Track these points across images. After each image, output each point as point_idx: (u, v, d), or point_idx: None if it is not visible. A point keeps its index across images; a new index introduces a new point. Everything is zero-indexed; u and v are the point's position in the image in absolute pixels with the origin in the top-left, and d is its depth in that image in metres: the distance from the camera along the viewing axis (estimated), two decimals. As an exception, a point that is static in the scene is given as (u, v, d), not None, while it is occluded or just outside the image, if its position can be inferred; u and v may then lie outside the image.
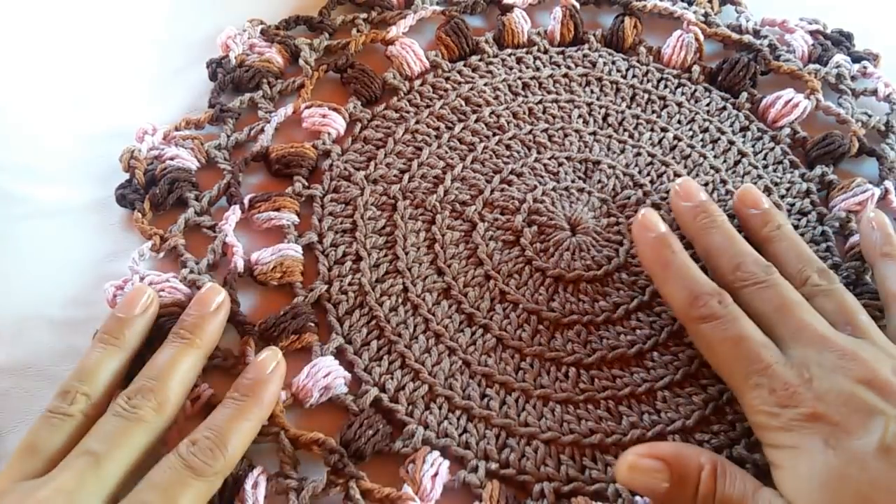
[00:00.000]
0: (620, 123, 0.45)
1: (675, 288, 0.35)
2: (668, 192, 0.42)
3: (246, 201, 0.40)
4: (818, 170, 0.43)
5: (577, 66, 0.48)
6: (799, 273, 0.35)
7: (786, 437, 0.30)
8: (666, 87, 0.47)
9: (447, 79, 0.46)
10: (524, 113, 0.45)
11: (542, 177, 0.42)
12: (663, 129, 0.45)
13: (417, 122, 0.44)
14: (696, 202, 0.38)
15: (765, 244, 0.37)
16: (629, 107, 0.46)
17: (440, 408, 0.35)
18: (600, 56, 0.48)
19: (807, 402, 0.30)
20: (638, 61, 0.48)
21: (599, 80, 0.47)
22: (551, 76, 0.47)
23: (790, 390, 0.30)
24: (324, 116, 0.44)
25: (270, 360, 0.33)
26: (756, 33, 0.49)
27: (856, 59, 0.49)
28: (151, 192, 0.40)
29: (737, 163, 0.44)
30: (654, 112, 0.46)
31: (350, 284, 0.38)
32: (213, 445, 0.30)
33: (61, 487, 0.27)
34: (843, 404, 0.30)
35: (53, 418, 0.30)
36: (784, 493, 0.30)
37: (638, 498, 0.33)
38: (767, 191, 0.42)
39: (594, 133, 0.44)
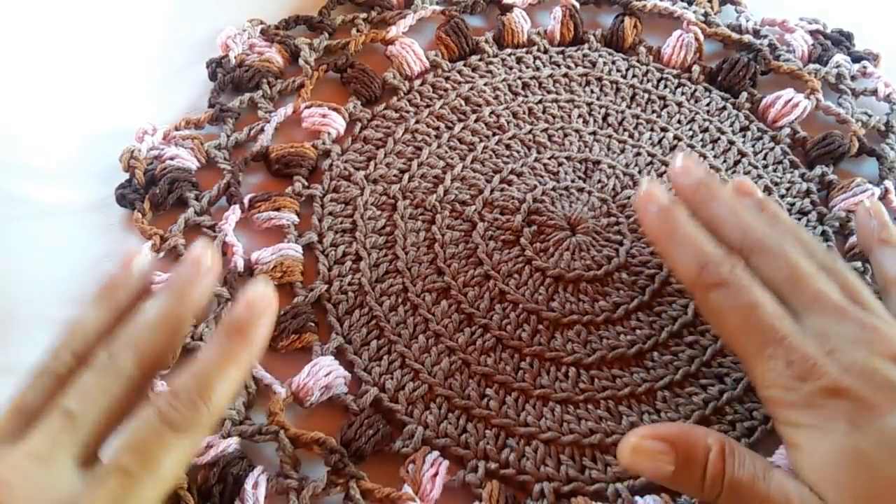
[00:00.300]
0: (620, 123, 0.45)
1: (682, 255, 0.33)
2: (667, 191, 0.42)
3: (246, 201, 0.41)
4: (818, 170, 0.43)
5: (577, 65, 0.48)
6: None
7: (804, 415, 0.28)
8: (666, 86, 0.47)
9: (447, 79, 0.46)
10: (524, 113, 0.45)
11: (541, 176, 0.42)
12: (663, 129, 0.45)
13: (417, 122, 0.44)
14: (696, 179, 0.36)
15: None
16: (629, 106, 0.46)
17: (440, 407, 0.35)
18: (600, 56, 0.48)
19: (829, 375, 0.28)
20: (638, 61, 0.48)
21: (599, 79, 0.47)
22: (551, 76, 0.47)
23: (809, 363, 0.28)
24: (324, 116, 0.44)
25: (262, 294, 0.28)
26: (756, 33, 0.49)
27: (856, 59, 0.49)
28: (151, 192, 0.40)
29: (737, 163, 0.44)
30: (654, 112, 0.46)
31: (350, 284, 0.38)
32: (195, 397, 0.26)
33: (31, 451, 0.25)
34: (868, 379, 0.27)
35: (42, 376, 0.28)
36: (803, 476, 0.28)
37: (638, 498, 0.33)
38: (767, 190, 0.42)
39: (594, 133, 0.44)
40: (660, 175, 0.43)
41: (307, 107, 0.44)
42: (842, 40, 0.50)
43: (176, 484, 0.32)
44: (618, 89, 0.47)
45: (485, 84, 0.46)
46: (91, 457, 0.26)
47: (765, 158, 0.44)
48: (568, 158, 0.43)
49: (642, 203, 0.35)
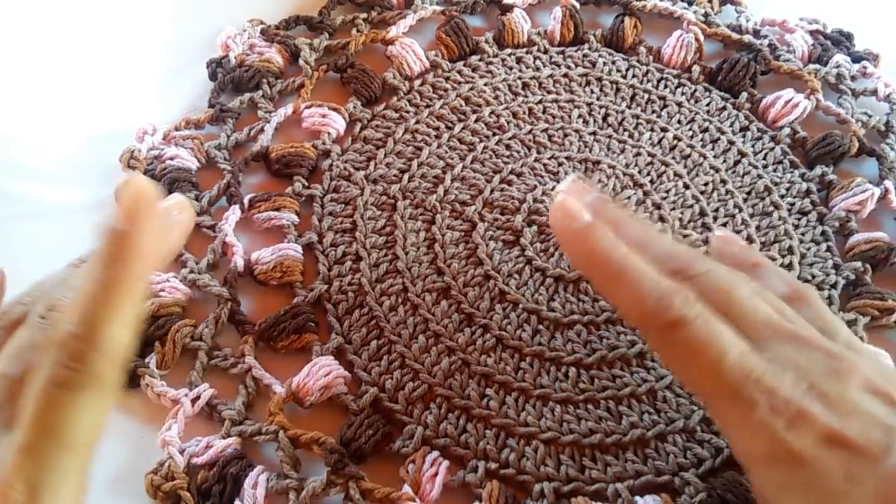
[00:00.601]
0: (620, 123, 0.45)
1: (627, 291, 0.27)
2: (667, 191, 0.42)
3: (246, 201, 0.41)
4: (818, 170, 0.43)
5: (577, 65, 0.48)
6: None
7: (795, 473, 0.24)
8: (666, 86, 0.47)
9: (447, 79, 0.46)
10: (524, 113, 0.45)
11: (542, 177, 0.42)
12: (663, 129, 0.45)
13: (417, 122, 0.44)
14: (581, 222, 0.29)
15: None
16: (629, 107, 0.46)
17: (439, 407, 0.35)
18: (600, 56, 0.48)
19: (819, 420, 0.24)
20: (638, 61, 0.48)
21: (599, 80, 0.47)
22: (551, 76, 0.47)
23: (794, 407, 0.24)
24: (324, 116, 0.44)
25: (138, 194, 0.22)
26: (756, 33, 0.49)
27: (856, 59, 0.49)
28: (151, 192, 0.40)
29: (737, 163, 0.44)
30: (654, 112, 0.46)
31: (350, 284, 0.38)
32: (82, 346, 0.22)
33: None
34: (857, 420, 0.24)
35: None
36: None
37: (638, 498, 0.33)
38: (767, 190, 0.42)
39: (594, 133, 0.44)
40: (659, 175, 0.43)
41: (307, 107, 0.44)
42: (842, 40, 0.50)
43: (177, 485, 0.32)
44: (618, 89, 0.47)
45: (485, 84, 0.46)
46: (9, 419, 0.23)
47: (765, 158, 0.44)
48: (568, 158, 0.43)
49: (559, 218, 0.29)
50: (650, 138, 0.44)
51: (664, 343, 0.27)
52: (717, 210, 0.42)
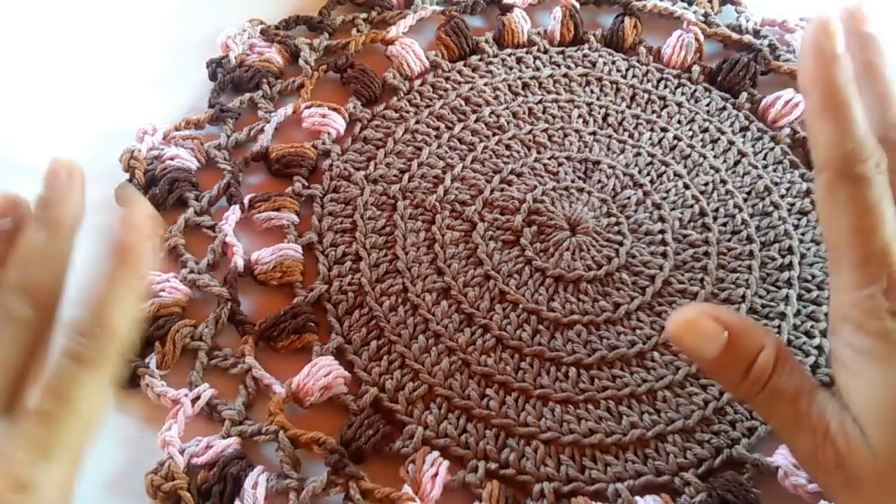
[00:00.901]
0: (620, 123, 0.45)
1: (831, 127, 0.28)
2: (667, 191, 0.42)
3: (246, 201, 0.41)
4: (818, 170, 0.43)
5: (577, 66, 0.48)
6: None
7: (876, 345, 0.26)
8: (666, 87, 0.47)
9: (447, 79, 0.46)
10: (524, 113, 0.45)
11: (541, 177, 0.42)
12: (663, 129, 0.45)
13: (417, 122, 0.44)
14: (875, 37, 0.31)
15: None
16: (629, 107, 0.46)
17: (439, 408, 0.35)
18: (600, 56, 0.48)
19: None
20: (638, 61, 0.48)
21: (599, 80, 0.47)
22: (551, 76, 0.47)
23: None
24: (323, 116, 0.44)
25: (140, 213, 0.27)
26: (756, 33, 0.49)
27: (856, 59, 0.49)
28: (151, 193, 0.40)
29: (737, 163, 0.44)
30: (654, 112, 0.46)
31: (350, 284, 0.38)
32: (94, 327, 0.26)
33: None
34: None
35: None
36: (850, 402, 0.26)
37: (638, 498, 0.33)
38: (767, 190, 0.42)
39: (594, 133, 0.44)
40: (659, 175, 0.43)
41: (307, 107, 0.44)
42: (842, 40, 0.50)
43: (177, 485, 0.32)
44: (618, 89, 0.47)
45: (485, 84, 0.46)
46: (8, 407, 0.26)
47: (765, 158, 0.44)
48: (568, 158, 0.43)
49: (814, 37, 0.28)
50: (650, 138, 0.44)
51: (828, 189, 0.28)
52: (717, 210, 0.42)
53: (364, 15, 0.49)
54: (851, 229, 0.27)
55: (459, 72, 0.47)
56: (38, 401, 0.25)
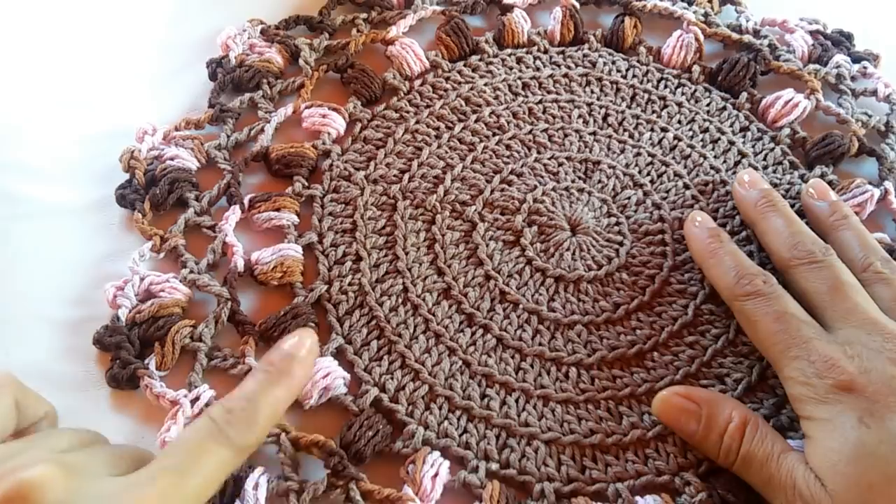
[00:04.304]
0: (620, 123, 0.45)
1: (722, 270, 0.36)
2: (667, 191, 0.42)
3: (246, 201, 0.40)
4: (818, 170, 0.43)
5: (577, 66, 0.48)
6: (862, 259, 0.36)
7: (821, 409, 0.31)
8: (666, 87, 0.47)
9: (447, 79, 0.46)
10: (524, 113, 0.45)
11: (542, 177, 0.42)
12: (663, 129, 0.45)
13: (417, 122, 0.44)
14: (759, 188, 0.40)
15: (830, 232, 0.38)
16: (629, 107, 0.46)
17: (440, 408, 0.35)
18: (600, 56, 0.48)
19: (846, 372, 0.31)
20: (638, 61, 0.48)
21: (599, 80, 0.47)
22: (551, 76, 0.47)
23: (829, 361, 0.31)
24: (324, 116, 0.44)
25: (305, 339, 0.30)
26: (756, 33, 0.49)
27: (856, 59, 0.49)
28: (151, 192, 0.40)
29: (737, 163, 0.44)
30: (654, 112, 0.46)
31: (350, 284, 0.38)
32: (249, 417, 0.27)
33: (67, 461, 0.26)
34: (883, 384, 0.30)
35: None
36: (812, 464, 0.30)
37: (638, 498, 0.33)
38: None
39: (594, 133, 0.44)
40: (659, 175, 0.43)
41: (307, 107, 0.44)
42: (842, 41, 0.50)
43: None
44: (618, 89, 0.47)
45: (485, 84, 0.46)
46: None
47: (765, 159, 0.44)
48: (568, 159, 0.43)
49: (689, 224, 0.39)
50: (650, 138, 0.44)
51: (740, 310, 0.35)
52: (716, 210, 0.42)
53: (364, 15, 0.49)
54: (767, 332, 0.34)
55: (459, 72, 0.47)
56: (172, 457, 0.26)
